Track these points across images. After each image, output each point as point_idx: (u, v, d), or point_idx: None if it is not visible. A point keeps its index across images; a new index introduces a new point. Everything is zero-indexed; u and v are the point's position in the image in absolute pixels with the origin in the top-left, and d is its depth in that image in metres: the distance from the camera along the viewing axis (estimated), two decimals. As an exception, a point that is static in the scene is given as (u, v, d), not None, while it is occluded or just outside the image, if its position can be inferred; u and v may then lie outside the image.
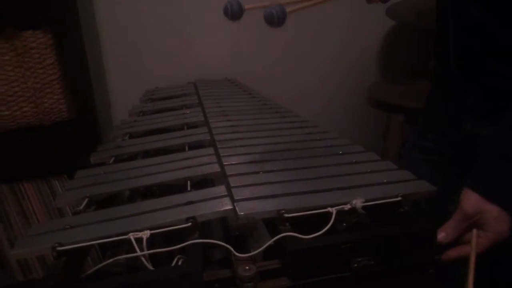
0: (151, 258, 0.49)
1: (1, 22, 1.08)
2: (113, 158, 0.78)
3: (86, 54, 1.08)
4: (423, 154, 0.83)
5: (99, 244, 0.51)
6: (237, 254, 0.50)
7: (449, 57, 0.71)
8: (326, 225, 0.51)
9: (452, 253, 0.56)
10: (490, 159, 0.59)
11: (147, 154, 0.80)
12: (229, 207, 0.54)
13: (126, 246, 0.52)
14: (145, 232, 0.51)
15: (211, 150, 0.75)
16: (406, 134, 1.38)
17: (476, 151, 0.63)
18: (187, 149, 0.79)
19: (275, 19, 0.57)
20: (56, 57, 1.13)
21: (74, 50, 1.07)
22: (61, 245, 0.49)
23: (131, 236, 0.50)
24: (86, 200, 0.62)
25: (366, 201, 0.53)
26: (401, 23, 1.45)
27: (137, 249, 0.49)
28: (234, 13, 0.58)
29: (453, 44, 0.70)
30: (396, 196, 0.55)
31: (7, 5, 1.06)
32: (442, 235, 0.55)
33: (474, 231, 0.56)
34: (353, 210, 0.53)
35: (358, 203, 0.52)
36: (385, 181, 0.60)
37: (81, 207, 0.61)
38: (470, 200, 0.56)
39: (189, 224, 0.52)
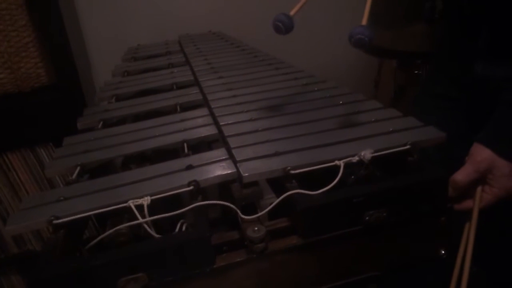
0: (153, 227, 0.47)
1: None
2: (101, 123, 0.74)
3: (61, 13, 1.00)
4: (434, 100, 0.81)
5: (97, 214, 0.48)
6: (243, 216, 0.48)
7: None
8: (334, 180, 0.48)
9: (457, 206, 0.56)
10: (504, 114, 0.57)
11: (137, 117, 0.76)
12: (232, 170, 0.52)
13: (127, 215, 0.49)
14: (146, 198, 0.48)
15: (205, 111, 0.72)
16: (399, 81, 1.35)
17: (488, 96, 0.60)
18: (179, 110, 0.75)
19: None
20: (29, 18, 1.05)
21: (47, 9, 0.99)
22: (57, 218, 0.47)
23: (131, 203, 0.47)
24: (78, 168, 0.59)
25: (374, 151, 0.51)
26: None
27: (139, 217, 0.46)
28: (287, 27, 0.54)
29: None
30: (405, 145, 0.52)
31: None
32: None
33: (479, 189, 0.56)
34: (362, 162, 0.51)
35: (367, 154, 0.50)
36: (391, 129, 0.57)
37: (73, 176, 0.58)
38: (482, 155, 0.55)
39: (191, 187, 0.49)
